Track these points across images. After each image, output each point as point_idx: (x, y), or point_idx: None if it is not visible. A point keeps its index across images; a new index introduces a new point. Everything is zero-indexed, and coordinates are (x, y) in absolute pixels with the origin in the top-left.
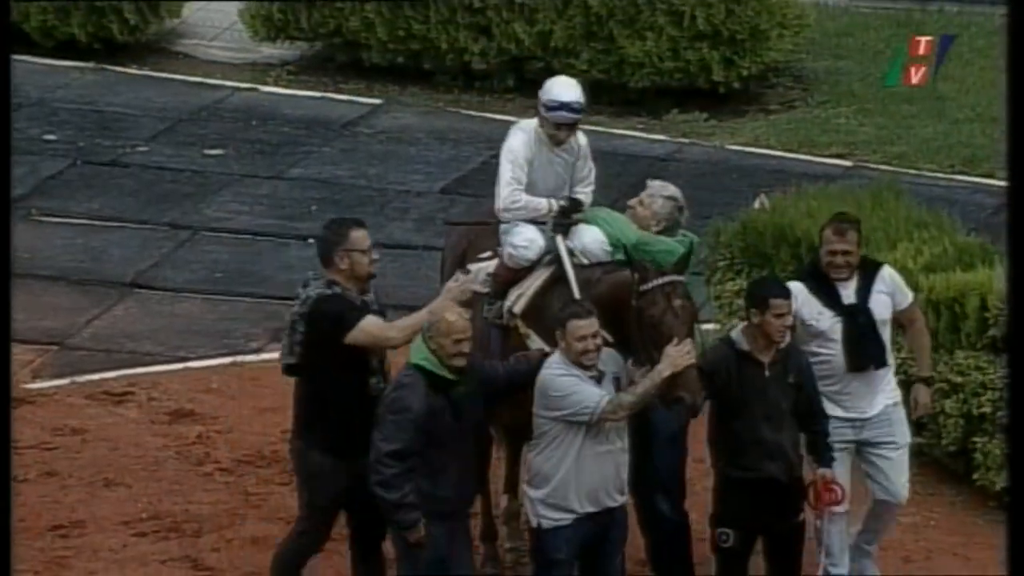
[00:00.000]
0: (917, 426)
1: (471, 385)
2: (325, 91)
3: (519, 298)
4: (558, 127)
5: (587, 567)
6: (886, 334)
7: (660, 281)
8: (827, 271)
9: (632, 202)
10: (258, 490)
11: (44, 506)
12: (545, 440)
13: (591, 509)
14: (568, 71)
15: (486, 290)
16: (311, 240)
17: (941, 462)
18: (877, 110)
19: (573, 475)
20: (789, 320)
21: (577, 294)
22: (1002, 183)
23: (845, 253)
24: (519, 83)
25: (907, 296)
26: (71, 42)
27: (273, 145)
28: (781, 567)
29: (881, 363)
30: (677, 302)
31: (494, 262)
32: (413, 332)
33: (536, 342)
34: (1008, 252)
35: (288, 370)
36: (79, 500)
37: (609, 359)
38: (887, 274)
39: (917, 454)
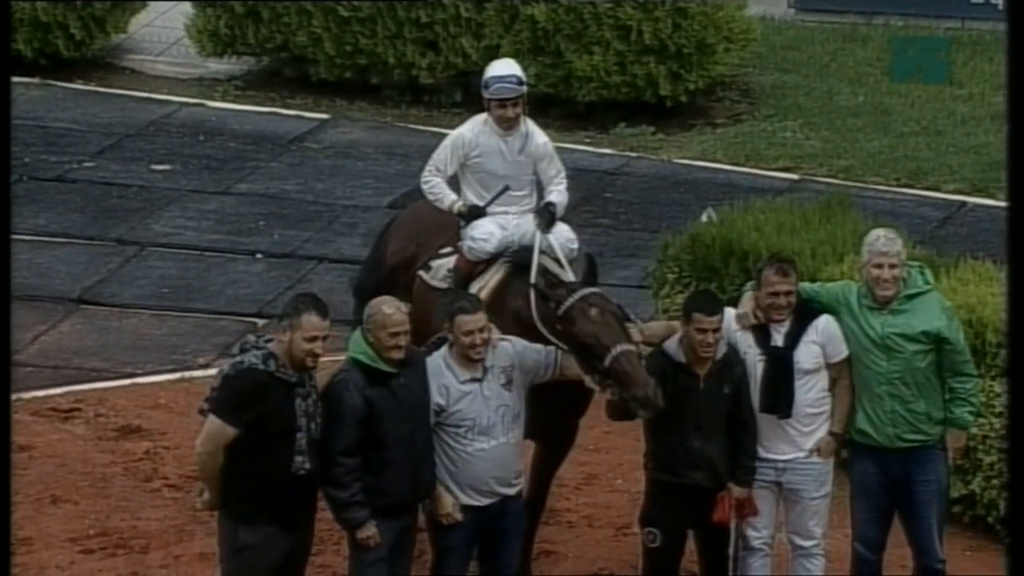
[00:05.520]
0: None
1: (414, 377)
2: (272, 106)
3: (480, 291)
4: (503, 105)
5: (486, 557)
6: (812, 384)
7: (574, 298)
8: (768, 313)
9: None
10: None
11: None
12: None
13: (476, 502)
14: None
15: (446, 286)
16: (259, 255)
17: None
18: (823, 124)
19: (455, 468)
20: (711, 337)
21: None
22: (948, 196)
23: (787, 294)
24: (466, 97)
25: (842, 351)
26: (17, 58)
27: (220, 160)
28: (712, 566)
29: (786, 414)
30: (594, 311)
31: (454, 257)
32: (209, 457)
33: (497, 334)
34: (1008, 262)
35: (202, 412)
36: (26, 517)
37: (501, 353)
38: (823, 324)
39: None
